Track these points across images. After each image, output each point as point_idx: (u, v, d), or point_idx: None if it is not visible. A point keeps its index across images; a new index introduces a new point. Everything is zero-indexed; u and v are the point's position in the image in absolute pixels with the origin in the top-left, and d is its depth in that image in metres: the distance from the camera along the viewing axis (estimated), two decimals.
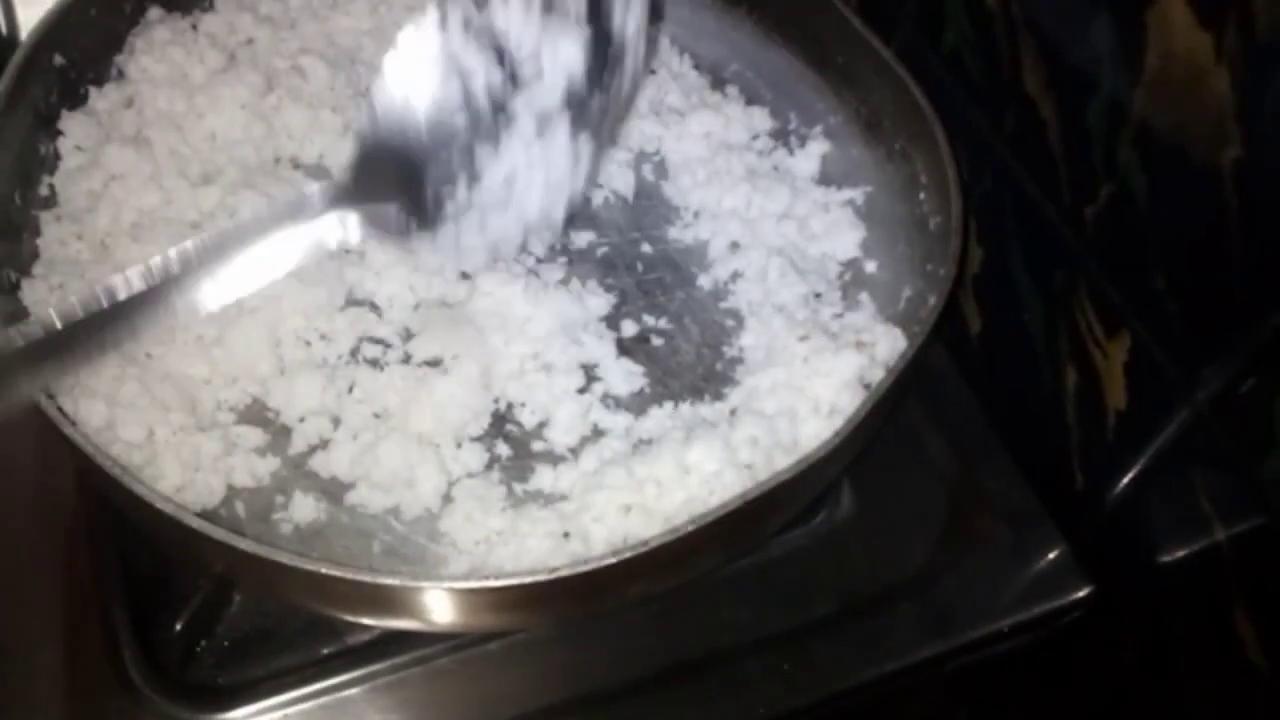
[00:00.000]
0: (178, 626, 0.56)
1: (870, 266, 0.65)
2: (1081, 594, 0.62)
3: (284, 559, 0.45)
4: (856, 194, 0.67)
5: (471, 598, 0.47)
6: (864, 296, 0.63)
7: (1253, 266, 0.48)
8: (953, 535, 0.64)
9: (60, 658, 0.56)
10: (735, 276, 0.65)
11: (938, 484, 0.66)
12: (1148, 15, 0.49)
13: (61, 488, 0.61)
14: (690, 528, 0.46)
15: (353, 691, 0.56)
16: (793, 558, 0.62)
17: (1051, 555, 0.63)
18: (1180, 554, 0.59)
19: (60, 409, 0.49)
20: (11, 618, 0.57)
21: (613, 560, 0.45)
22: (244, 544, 0.44)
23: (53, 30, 0.60)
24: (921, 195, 0.63)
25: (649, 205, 0.68)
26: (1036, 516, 0.65)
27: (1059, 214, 0.59)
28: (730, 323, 0.63)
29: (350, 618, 0.53)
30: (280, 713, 0.55)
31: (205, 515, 0.49)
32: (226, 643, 0.57)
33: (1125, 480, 0.60)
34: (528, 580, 0.45)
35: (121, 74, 0.65)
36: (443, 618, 0.49)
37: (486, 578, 0.45)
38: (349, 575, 0.45)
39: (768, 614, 0.60)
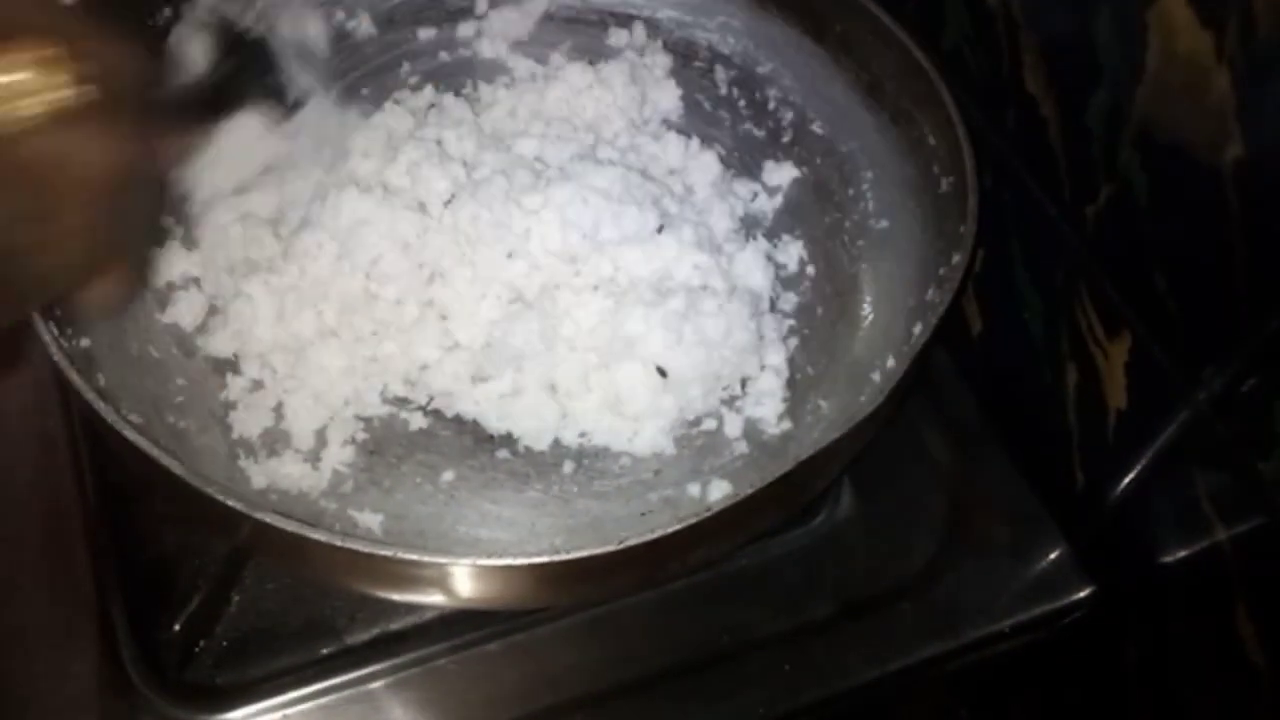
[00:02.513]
0: (176, 627, 0.56)
1: (883, 226, 0.66)
2: (1082, 594, 0.62)
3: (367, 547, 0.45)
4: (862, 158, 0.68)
5: (540, 572, 0.46)
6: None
7: (1254, 266, 0.48)
8: (953, 535, 0.64)
9: (59, 658, 0.56)
10: None
11: (938, 484, 0.66)
12: (1148, 14, 0.49)
13: (61, 488, 0.61)
14: (749, 491, 0.47)
15: (352, 692, 0.56)
16: (793, 557, 0.62)
17: (1052, 555, 0.63)
18: (1181, 554, 0.58)
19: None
20: (10, 618, 0.57)
21: (679, 527, 0.46)
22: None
23: None
24: (925, 158, 0.63)
25: None
26: (1037, 516, 0.65)
27: (1060, 213, 0.59)
28: None
29: (408, 596, 0.54)
30: (279, 713, 0.55)
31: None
32: (225, 643, 0.57)
33: (1126, 480, 0.60)
34: (599, 552, 0.45)
35: None
36: (508, 593, 0.50)
37: (557, 551, 0.46)
38: (418, 557, 0.45)
39: (768, 614, 0.60)
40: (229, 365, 0.58)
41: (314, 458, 0.55)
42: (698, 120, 0.72)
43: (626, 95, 0.70)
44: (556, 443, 0.58)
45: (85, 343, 0.53)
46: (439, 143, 0.64)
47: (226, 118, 0.53)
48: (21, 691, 0.55)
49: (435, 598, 0.50)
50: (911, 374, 0.51)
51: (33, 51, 0.36)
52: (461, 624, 0.58)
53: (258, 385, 0.57)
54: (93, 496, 0.60)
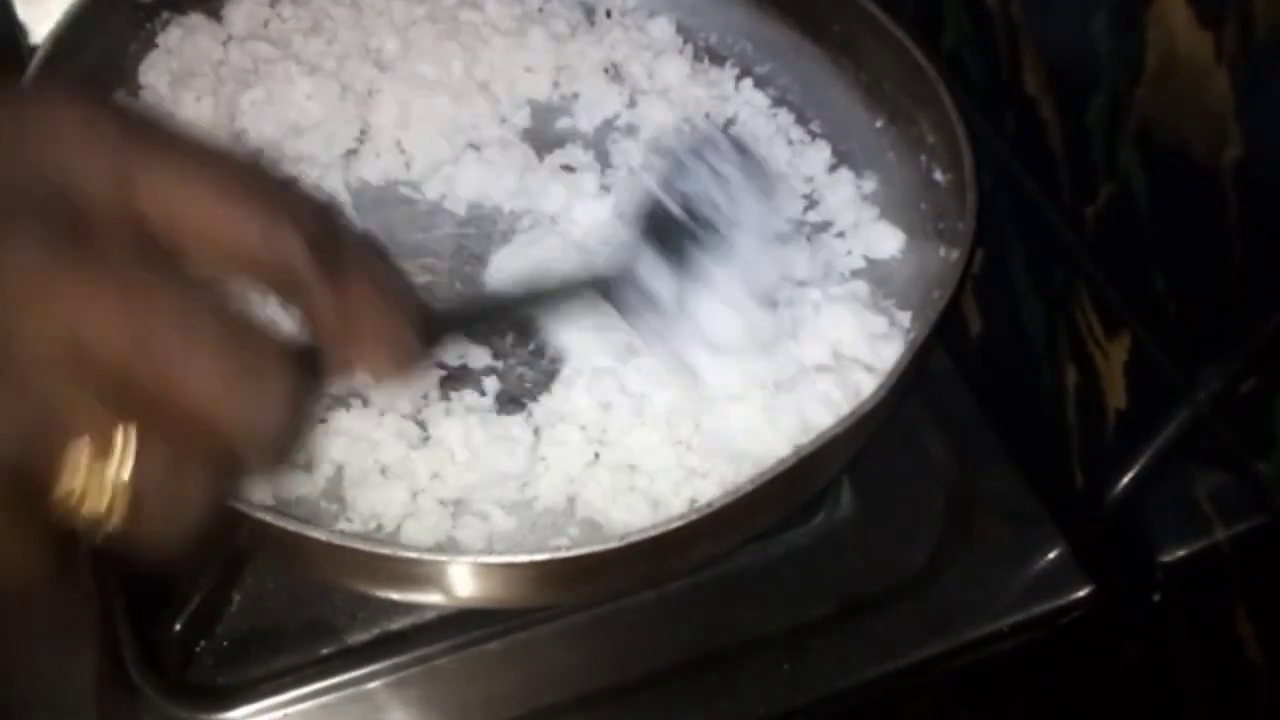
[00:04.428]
0: (177, 626, 0.56)
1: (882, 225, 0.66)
2: (1081, 594, 0.62)
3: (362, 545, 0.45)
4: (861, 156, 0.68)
5: (541, 570, 0.46)
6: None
7: (1253, 266, 0.48)
8: (952, 535, 0.64)
9: (60, 658, 0.56)
10: None
11: (937, 484, 0.66)
12: (1147, 15, 0.49)
13: None
14: (750, 487, 0.47)
15: (352, 691, 0.56)
16: (792, 557, 0.62)
17: (1051, 555, 0.63)
18: (1180, 553, 0.59)
19: None
20: (11, 617, 0.57)
21: (681, 523, 0.46)
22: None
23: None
24: (924, 157, 0.63)
25: None
26: (1036, 516, 0.65)
27: (1059, 214, 0.59)
28: None
29: (408, 596, 0.53)
30: (280, 712, 0.55)
31: None
32: (226, 643, 0.57)
33: (1125, 480, 0.60)
34: (598, 549, 0.45)
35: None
36: (509, 592, 0.50)
37: (557, 549, 0.46)
38: (418, 556, 0.46)
39: (768, 614, 0.60)
40: None
41: (308, 465, 0.55)
42: None
43: None
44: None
45: None
46: None
47: None
48: (22, 691, 0.55)
49: (435, 597, 0.50)
50: (911, 371, 0.51)
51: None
52: (462, 623, 0.58)
53: None
54: None
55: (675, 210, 0.50)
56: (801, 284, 0.60)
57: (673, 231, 0.50)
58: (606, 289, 0.50)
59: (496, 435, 0.54)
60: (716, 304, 0.51)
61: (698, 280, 0.50)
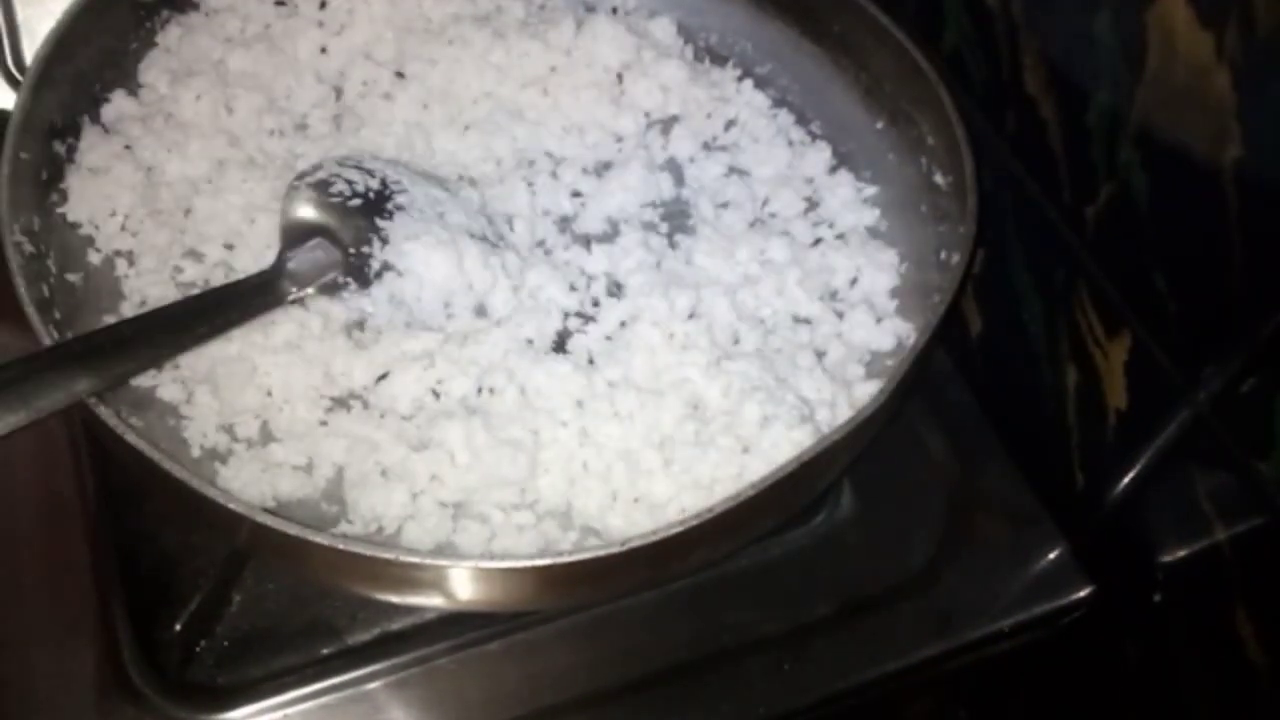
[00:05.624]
0: (177, 627, 0.56)
1: (883, 227, 0.65)
2: (1081, 594, 0.62)
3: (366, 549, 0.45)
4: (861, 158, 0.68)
5: (541, 574, 0.46)
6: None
7: (1253, 266, 0.48)
8: (953, 535, 0.64)
9: (59, 658, 0.56)
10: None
11: (938, 484, 0.66)
12: (1148, 15, 0.49)
13: (62, 488, 0.61)
14: (750, 492, 0.47)
15: (352, 691, 0.56)
16: (793, 558, 0.62)
17: (1051, 555, 0.63)
18: (1180, 554, 0.59)
19: None
20: (11, 618, 0.57)
21: (681, 528, 0.46)
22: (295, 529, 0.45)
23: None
24: (924, 159, 0.63)
25: None
26: (1036, 516, 0.65)
27: (1059, 214, 0.59)
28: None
29: (409, 599, 0.53)
30: (280, 713, 0.55)
31: None
32: (226, 643, 0.57)
33: (1125, 480, 0.60)
34: (600, 554, 0.45)
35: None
36: (509, 595, 0.50)
37: (558, 554, 0.46)
38: (419, 560, 0.46)
39: (768, 614, 0.60)
40: None
41: (308, 467, 0.55)
42: None
43: None
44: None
45: None
46: None
47: None
48: (22, 691, 0.55)
49: (436, 600, 0.50)
50: (911, 375, 0.51)
51: None
52: (462, 624, 0.58)
53: None
54: (93, 496, 0.60)
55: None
56: (805, 316, 0.61)
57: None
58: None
59: (497, 438, 0.54)
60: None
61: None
